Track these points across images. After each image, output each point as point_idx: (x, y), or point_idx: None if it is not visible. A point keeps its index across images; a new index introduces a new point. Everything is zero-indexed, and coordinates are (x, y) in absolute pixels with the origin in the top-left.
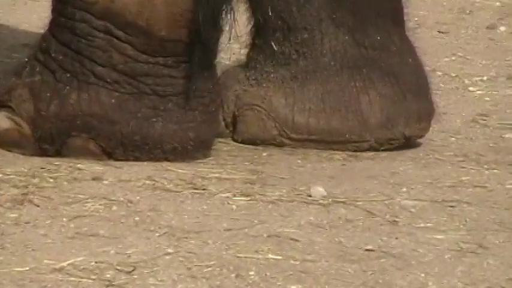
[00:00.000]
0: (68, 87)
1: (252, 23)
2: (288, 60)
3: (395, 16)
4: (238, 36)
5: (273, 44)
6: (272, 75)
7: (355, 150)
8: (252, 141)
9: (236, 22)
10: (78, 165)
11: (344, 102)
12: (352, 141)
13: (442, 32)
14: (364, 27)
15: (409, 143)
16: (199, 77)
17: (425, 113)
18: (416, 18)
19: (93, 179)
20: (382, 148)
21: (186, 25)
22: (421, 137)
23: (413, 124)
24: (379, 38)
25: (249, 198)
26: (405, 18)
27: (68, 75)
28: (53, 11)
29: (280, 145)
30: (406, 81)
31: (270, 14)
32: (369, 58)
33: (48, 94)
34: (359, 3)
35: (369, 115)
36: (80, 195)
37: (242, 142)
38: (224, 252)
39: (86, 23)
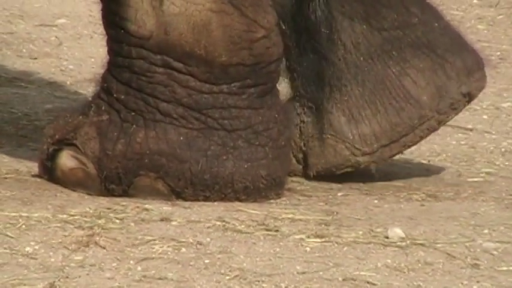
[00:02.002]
0: (134, 126)
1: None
2: (320, 72)
3: None
4: None
5: (296, 64)
6: (318, 96)
7: (427, 132)
8: (327, 171)
9: None
10: (146, 206)
11: (390, 93)
12: (417, 126)
13: None
14: (377, 11)
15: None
16: (263, 105)
17: (473, 64)
18: (498, 53)
19: (162, 220)
20: (449, 118)
21: (246, 46)
22: (481, 88)
23: (466, 79)
24: (396, 16)
25: (323, 240)
26: None
27: (133, 113)
28: (109, 51)
29: (355, 166)
30: (440, 45)
31: (285, 27)
32: (393, 39)
33: (115, 133)
34: None
35: (419, 93)
36: (147, 237)
37: (318, 175)
38: None
39: (143, 60)
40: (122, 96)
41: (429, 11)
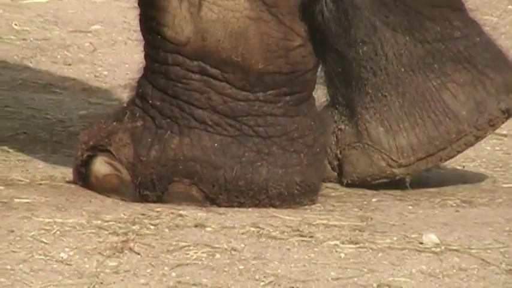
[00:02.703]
0: (169, 132)
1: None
2: (361, 81)
3: (451, 2)
4: None
5: (333, 71)
6: (357, 104)
7: (464, 147)
8: (362, 180)
9: None
10: (180, 212)
11: (430, 107)
12: (455, 141)
13: None
14: (421, 23)
15: None
16: (299, 113)
17: None
18: None
19: (196, 226)
20: (486, 134)
21: (283, 55)
22: None
23: (505, 96)
24: (439, 29)
25: (358, 246)
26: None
27: (168, 120)
28: (145, 57)
29: (390, 177)
30: (481, 60)
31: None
32: (435, 52)
33: (149, 139)
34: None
35: (458, 108)
36: (182, 243)
37: (351, 183)
38: None
39: (179, 66)
40: (158, 103)
41: (471, 25)
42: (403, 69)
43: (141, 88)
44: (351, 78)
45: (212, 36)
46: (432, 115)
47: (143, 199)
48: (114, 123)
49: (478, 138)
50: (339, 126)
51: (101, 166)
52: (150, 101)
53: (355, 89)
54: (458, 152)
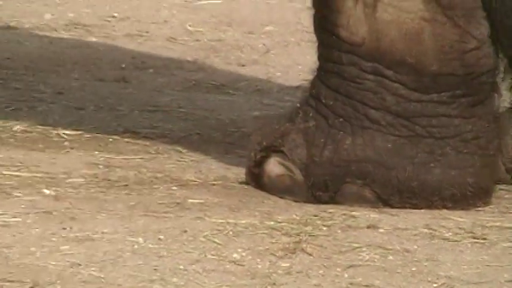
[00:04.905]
0: (341, 132)
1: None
2: None
3: None
4: None
5: None
6: None
7: None
8: None
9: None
10: (353, 213)
11: None
12: None
13: None
14: None
15: None
16: (474, 115)
17: None
18: None
19: (368, 227)
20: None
21: (458, 57)
22: None
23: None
24: None
25: None
26: None
27: (341, 119)
28: (320, 57)
29: None
30: None
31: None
32: None
33: (322, 140)
34: None
35: None
36: (354, 244)
37: None
38: None
39: (353, 66)
40: (331, 102)
41: None
42: None
43: (315, 88)
44: None
45: (387, 37)
46: None
47: (315, 200)
48: (287, 123)
49: None
50: None
51: (274, 166)
52: (323, 101)
53: None
54: None
